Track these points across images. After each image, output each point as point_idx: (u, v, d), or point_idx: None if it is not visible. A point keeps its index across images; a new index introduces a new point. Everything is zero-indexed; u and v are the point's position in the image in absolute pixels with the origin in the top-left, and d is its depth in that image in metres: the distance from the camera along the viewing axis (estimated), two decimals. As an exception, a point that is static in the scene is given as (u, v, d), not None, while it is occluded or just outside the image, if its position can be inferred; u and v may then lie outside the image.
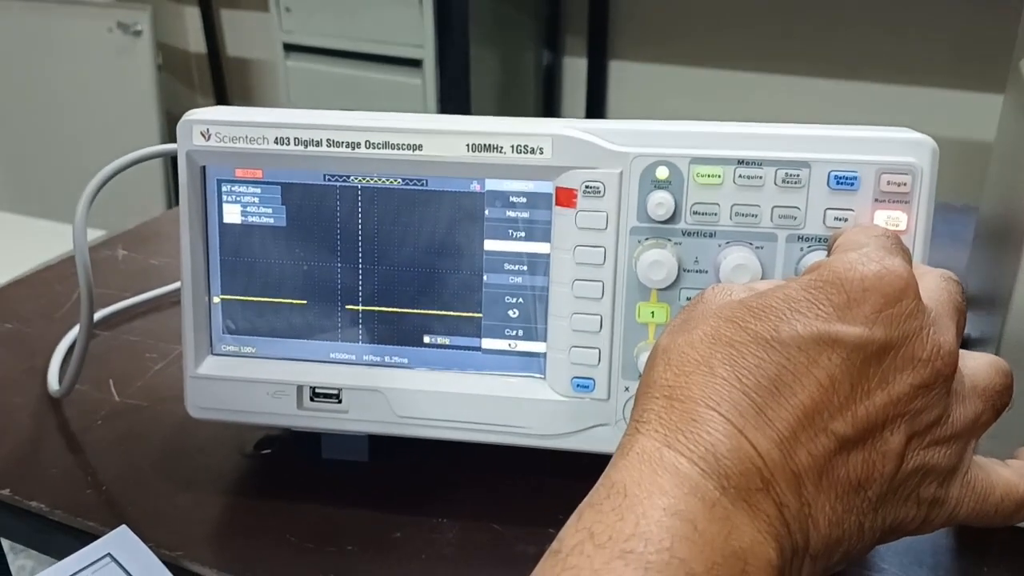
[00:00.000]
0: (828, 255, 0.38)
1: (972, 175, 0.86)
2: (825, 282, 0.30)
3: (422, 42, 1.93)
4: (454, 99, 1.92)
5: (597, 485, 0.29)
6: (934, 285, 0.32)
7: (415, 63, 1.96)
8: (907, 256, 0.32)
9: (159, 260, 0.77)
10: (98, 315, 0.66)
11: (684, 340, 0.30)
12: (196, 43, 2.68)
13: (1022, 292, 0.43)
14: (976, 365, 0.32)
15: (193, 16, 2.61)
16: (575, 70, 2.23)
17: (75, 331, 0.64)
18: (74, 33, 2.27)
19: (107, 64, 2.24)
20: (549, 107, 2.25)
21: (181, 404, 0.50)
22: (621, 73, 2.19)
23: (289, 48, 2.15)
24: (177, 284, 0.71)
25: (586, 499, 0.28)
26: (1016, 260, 0.43)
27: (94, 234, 2.00)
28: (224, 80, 2.67)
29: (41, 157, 2.39)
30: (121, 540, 0.43)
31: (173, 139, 0.45)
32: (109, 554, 0.42)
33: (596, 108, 2.21)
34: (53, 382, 0.57)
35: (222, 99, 2.68)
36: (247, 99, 2.69)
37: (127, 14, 2.22)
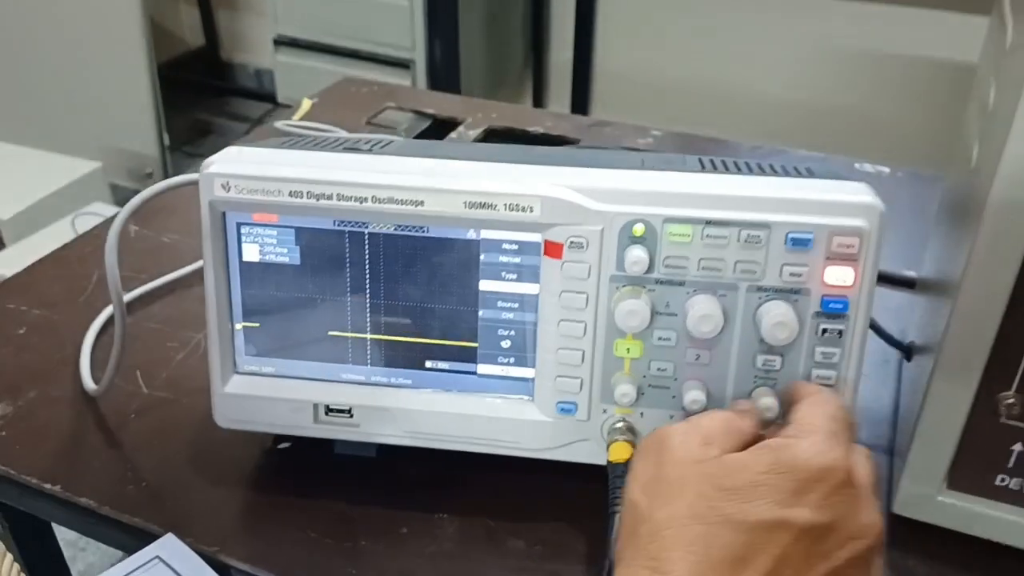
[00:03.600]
0: (786, 405, 0.45)
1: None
2: (783, 467, 0.37)
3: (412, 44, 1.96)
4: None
5: None
6: (860, 463, 0.40)
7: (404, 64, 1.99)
8: (851, 439, 0.39)
9: (170, 237, 0.81)
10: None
11: (665, 514, 0.37)
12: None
13: (975, 268, 0.45)
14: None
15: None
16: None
17: (101, 318, 0.69)
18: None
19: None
20: (538, 52, 2.26)
21: (205, 396, 0.55)
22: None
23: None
24: (193, 266, 0.76)
25: None
26: (976, 228, 0.44)
27: (90, 165, 1.99)
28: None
29: (20, 78, 2.34)
30: (168, 546, 0.49)
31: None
32: (158, 556, 0.49)
33: (585, 47, 2.22)
34: (87, 379, 0.63)
35: (205, 5, 2.64)
36: (232, 5, 2.65)
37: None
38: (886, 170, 0.94)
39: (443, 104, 1.10)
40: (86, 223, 1.58)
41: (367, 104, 1.09)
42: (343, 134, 0.97)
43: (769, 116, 2.14)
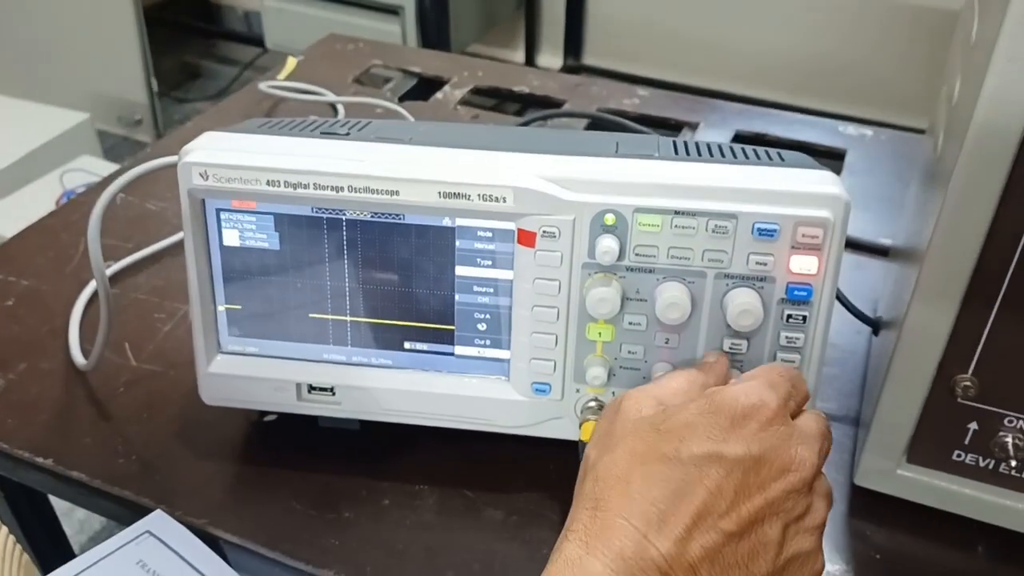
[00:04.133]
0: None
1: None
2: (716, 408, 0.39)
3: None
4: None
5: None
6: (808, 416, 0.42)
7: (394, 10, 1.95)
8: (791, 391, 0.41)
9: (156, 204, 0.82)
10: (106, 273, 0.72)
11: (608, 459, 0.39)
12: None
13: (943, 228, 0.45)
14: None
15: None
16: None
17: (89, 289, 0.71)
18: None
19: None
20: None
21: (192, 369, 0.57)
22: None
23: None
24: (178, 235, 0.77)
25: None
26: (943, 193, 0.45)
27: (78, 116, 1.97)
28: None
29: (1, 25, 2.30)
30: (158, 522, 0.51)
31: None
32: (148, 531, 0.51)
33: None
34: (76, 353, 0.64)
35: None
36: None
37: None
38: (869, 132, 0.95)
39: (429, 62, 1.09)
40: (74, 179, 1.58)
41: (353, 62, 1.08)
42: (331, 97, 0.96)
43: (766, 62, 2.13)
